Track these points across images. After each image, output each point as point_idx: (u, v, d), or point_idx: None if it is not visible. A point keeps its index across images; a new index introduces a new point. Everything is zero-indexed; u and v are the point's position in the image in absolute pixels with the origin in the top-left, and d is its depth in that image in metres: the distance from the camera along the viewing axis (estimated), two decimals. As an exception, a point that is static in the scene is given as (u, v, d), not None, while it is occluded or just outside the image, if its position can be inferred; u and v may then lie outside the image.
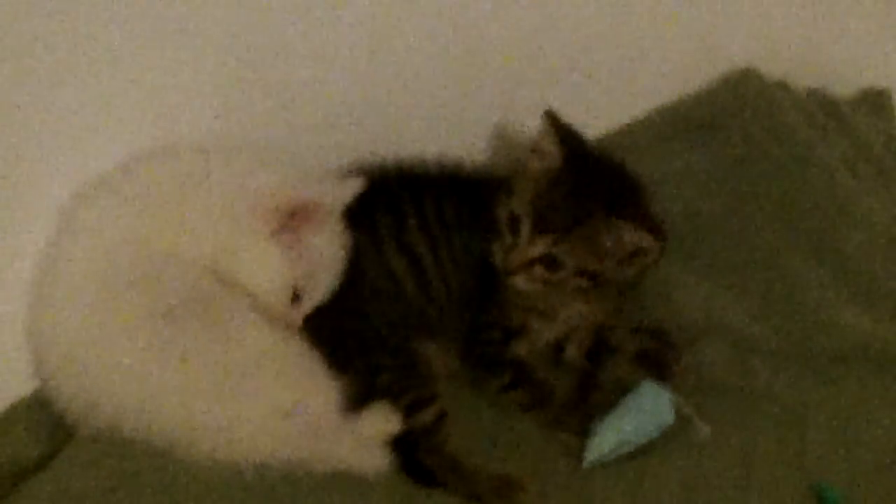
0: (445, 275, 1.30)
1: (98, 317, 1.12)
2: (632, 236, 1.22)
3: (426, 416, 1.21)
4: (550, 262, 1.24)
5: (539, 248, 1.24)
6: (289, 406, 1.14)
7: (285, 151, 1.26)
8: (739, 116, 1.55)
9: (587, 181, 1.24)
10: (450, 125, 1.46)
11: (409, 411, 1.21)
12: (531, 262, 1.24)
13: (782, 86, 1.61)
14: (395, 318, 1.27)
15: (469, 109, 1.47)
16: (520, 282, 1.26)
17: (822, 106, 1.61)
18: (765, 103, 1.56)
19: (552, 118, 1.26)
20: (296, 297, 1.21)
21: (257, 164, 1.22)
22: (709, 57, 1.60)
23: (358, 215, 1.26)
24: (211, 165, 1.21)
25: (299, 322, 1.22)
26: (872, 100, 1.70)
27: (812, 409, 1.29)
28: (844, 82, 1.68)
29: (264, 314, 1.18)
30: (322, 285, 1.23)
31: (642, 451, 1.22)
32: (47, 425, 1.17)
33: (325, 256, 1.23)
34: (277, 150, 1.26)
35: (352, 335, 1.25)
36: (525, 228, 1.24)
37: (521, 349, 1.31)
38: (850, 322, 1.38)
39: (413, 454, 1.19)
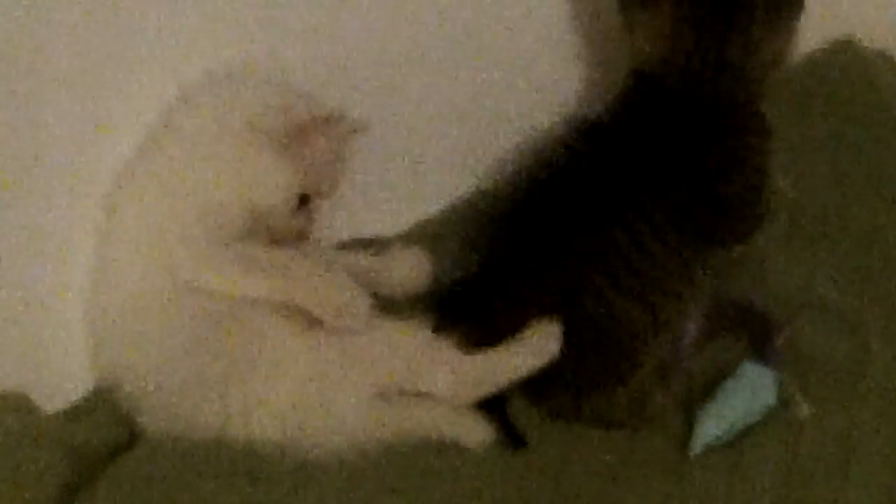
0: None
1: (143, 330, 1.14)
2: None
3: None
4: None
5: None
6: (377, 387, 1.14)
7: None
8: (839, 88, 1.51)
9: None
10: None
11: None
12: None
13: (882, 56, 1.58)
14: None
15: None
16: None
17: (925, 77, 1.57)
18: (864, 74, 1.53)
19: None
20: (303, 202, 1.21)
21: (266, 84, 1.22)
22: (807, 27, 1.56)
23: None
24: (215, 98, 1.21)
25: (309, 228, 1.23)
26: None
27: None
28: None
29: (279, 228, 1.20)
30: (327, 189, 1.23)
31: (739, 433, 1.19)
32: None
33: (329, 162, 1.22)
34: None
35: None
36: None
37: None
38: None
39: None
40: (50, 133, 1.15)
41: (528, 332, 1.15)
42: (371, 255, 1.30)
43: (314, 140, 1.19)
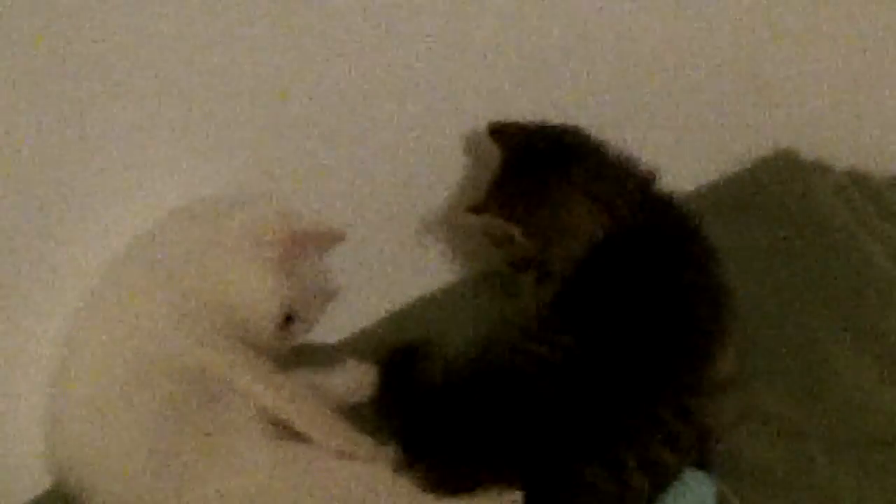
0: None
1: (108, 420, 1.13)
2: None
3: None
4: None
5: None
6: None
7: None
8: (777, 198, 1.54)
9: None
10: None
11: None
12: None
13: (820, 167, 1.61)
14: None
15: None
16: None
17: (861, 187, 1.61)
18: (802, 185, 1.56)
19: None
20: (288, 321, 1.23)
21: (260, 202, 1.25)
22: (746, 138, 1.60)
23: None
24: (212, 213, 1.24)
25: (285, 349, 1.24)
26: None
27: (851, 497, 1.27)
28: (884, 163, 1.67)
29: (256, 341, 1.20)
30: (315, 311, 1.26)
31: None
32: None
33: (320, 283, 1.26)
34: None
35: None
36: None
37: None
38: (891, 408, 1.35)
39: None
40: (27, 227, 1.19)
41: (490, 491, 1.14)
42: (316, 370, 1.29)
43: (307, 257, 1.23)
